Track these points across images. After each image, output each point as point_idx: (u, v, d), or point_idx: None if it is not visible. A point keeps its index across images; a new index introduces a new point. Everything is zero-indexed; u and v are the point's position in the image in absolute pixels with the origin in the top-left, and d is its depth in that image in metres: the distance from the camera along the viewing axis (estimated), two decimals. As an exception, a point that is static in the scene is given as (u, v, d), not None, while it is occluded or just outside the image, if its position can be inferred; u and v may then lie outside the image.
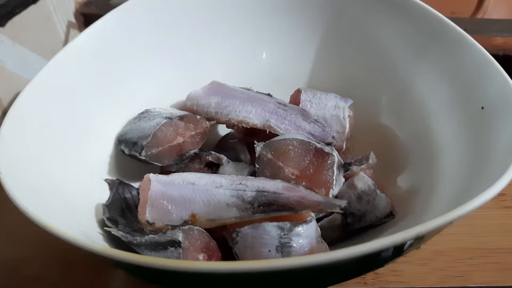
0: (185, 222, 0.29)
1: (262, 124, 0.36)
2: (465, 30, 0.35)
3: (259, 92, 0.39)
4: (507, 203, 0.37)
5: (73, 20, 0.53)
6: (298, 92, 0.39)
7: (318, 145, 0.33)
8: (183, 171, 0.35)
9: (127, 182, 0.37)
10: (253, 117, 0.36)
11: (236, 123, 0.37)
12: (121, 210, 0.34)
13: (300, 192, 0.29)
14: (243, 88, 0.39)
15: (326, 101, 0.38)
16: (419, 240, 0.23)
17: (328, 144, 0.35)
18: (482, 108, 0.31)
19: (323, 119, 0.37)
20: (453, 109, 0.34)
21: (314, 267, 0.21)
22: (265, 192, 0.29)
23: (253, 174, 0.33)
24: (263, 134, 0.37)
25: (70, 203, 0.31)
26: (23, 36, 0.46)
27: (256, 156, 0.33)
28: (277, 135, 0.35)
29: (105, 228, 0.31)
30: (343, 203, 0.29)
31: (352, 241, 0.33)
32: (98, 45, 0.38)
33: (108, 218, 0.32)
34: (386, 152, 0.38)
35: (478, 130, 0.31)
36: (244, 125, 0.36)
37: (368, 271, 0.30)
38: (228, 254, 0.30)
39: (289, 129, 0.35)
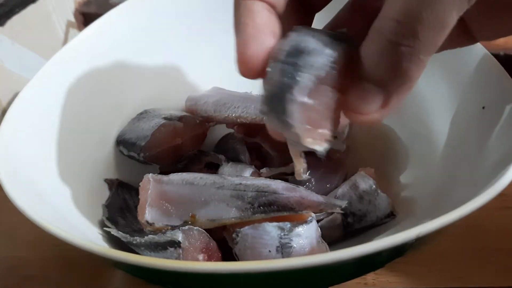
0: (185, 223, 0.29)
1: (261, 117, 0.35)
2: (465, 29, 0.35)
3: (259, 95, 0.39)
4: (507, 204, 0.37)
5: (72, 19, 0.53)
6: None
7: None
8: (183, 172, 0.35)
9: (126, 182, 0.37)
10: (252, 111, 0.36)
11: (235, 119, 0.36)
12: (121, 210, 0.34)
13: (300, 192, 0.29)
14: (243, 92, 0.39)
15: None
16: (419, 240, 0.23)
17: None
18: (483, 108, 0.31)
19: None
20: (453, 109, 0.34)
21: (314, 267, 0.21)
22: (265, 192, 0.29)
23: (253, 174, 0.33)
24: (264, 134, 0.37)
25: (70, 203, 0.31)
26: (22, 35, 0.46)
27: None
28: None
29: (105, 228, 0.31)
30: (343, 203, 0.29)
31: (353, 241, 0.33)
32: (97, 44, 0.38)
33: (107, 218, 0.32)
34: (386, 152, 0.38)
35: (478, 130, 0.31)
36: (243, 120, 0.36)
37: (368, 271, 0.30)
38: (228, 254, 0.30)
39: None
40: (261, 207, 0.28)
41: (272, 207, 0.28)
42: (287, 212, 0.28)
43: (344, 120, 0.36)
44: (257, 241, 0.28)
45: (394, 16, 0.19)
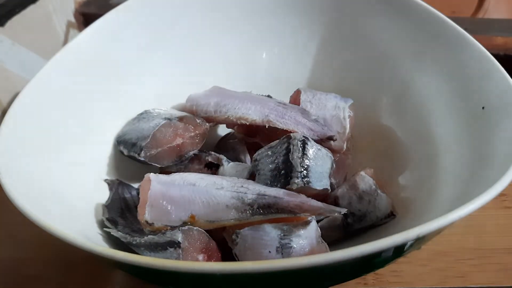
0: (184, 223, 0.29)
1: (261, 119, 0.35)
2: (465, 30, 0.35)
3: (259, 95, 0.39)
4: (507, 204, 0.37)
5: (72, 20, 0.53)
6: (298, 93, 0.39)
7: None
8: (183, 172, 0.35)
9: (126, 182, 0.37)
10: (252, 113, 0.36)
11: (235, 120, 0.36)
12: (121, 211, 0.34)
13: (300, 198, 0.29)
14: (243, 92, 0.39)
15: (326, 101, 0.38)
16: (419, 240, 0.23)
17: (330, 138, 0.35)
18: (483, 108, 0.31)
19: (323, 120, 0.37)
20: (453, 109, 0.34)
21: (314, 267, 0.21)
22: (266, 195, 0.29)
23: (253, 174, 0.33)
24: (264, 134, 0.37)
25: (69, 203, 0.31)
26: (22, 36, 0.46)
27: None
28: (276, 132, 0.35)
29: (105, 228, 0.31)
30: (343, 211, 0.29)
31: (353, 242, 0.33)
32: (97, 45, 0.38)
33: (107, 219, 0.32)
34: (386, 152, 0.38)
35: (478, 130, 0.31)
36: (243, 121, 0.36)
37: (368, 271, 0.30)
38: (228, 254, 0.30)
39: (289, 123, 0.35)
40: (260, 209, 0.28)
41: (271, 209, 0.28)
42: (285, 214, 0.28)
43: (344, 121, 0.37)
44: (257, 242, 0.28)
45: None
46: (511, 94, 0.29)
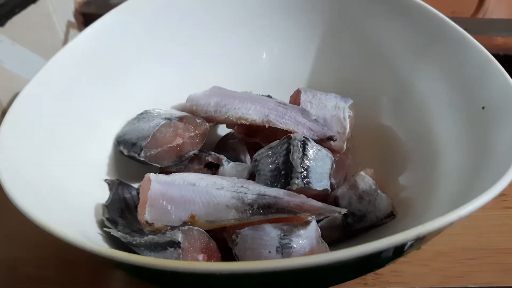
0: (184, 223, 0.29)
1: (261, 119, 0.35)
2: (465, 29, 0.35)
3: (259, 95, 0.39)
4: (507, 204, 0.37)
5: (72, 19, 0.53)
6: (298, 93, 0.39)
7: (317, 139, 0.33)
8: (183, 172, 0.35)
9: (126, 182, 0.37)
10: (252, 113, 0.36)
11: (235, 120, 0.36)
12: (121, 211, 0.34)
13: (300, 198, 0.29)
14: (243, 92, 0.39)
15: (326, 101, 0.38)
16: (419, 240, 0.23)
17: (330, 139, 0.35)
18: (483, 108, 0.31)
19: (323, 120, 0.37)
20: (453, 109, 0.34)
21: (314, 267, 0.21)
22: (266, 196, 0.29)
23: (253, 174, 0.33)
24: (264, 134, 0.37)
25: (69, 203, 0.31)
26: (22, 36, 0.46)
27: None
28: (276, 132, 0.35)
29: (105, 228, 0.31)
30: (343, 211, 0.29)
31: (353, 242, 0.33)
32: (97, 45, 0.38)
33: (107, 219, 0.32)
34: (386, 152, 0.38)
35: (478, 130, 0.31)
36: (243, 121, 0.36)
37: (368, 271, 0.30)
38: (228, 254, 0.30)
39: (289, 123, 0.35)
40: (260, 209, 0.28)
41: (271, 209, 0.28)
42: (285, 214, 0.28)
43: (344, 121, 0.37)
44: (257, 242, 0.28)
45: None
46: (511, 94, 0.29)
